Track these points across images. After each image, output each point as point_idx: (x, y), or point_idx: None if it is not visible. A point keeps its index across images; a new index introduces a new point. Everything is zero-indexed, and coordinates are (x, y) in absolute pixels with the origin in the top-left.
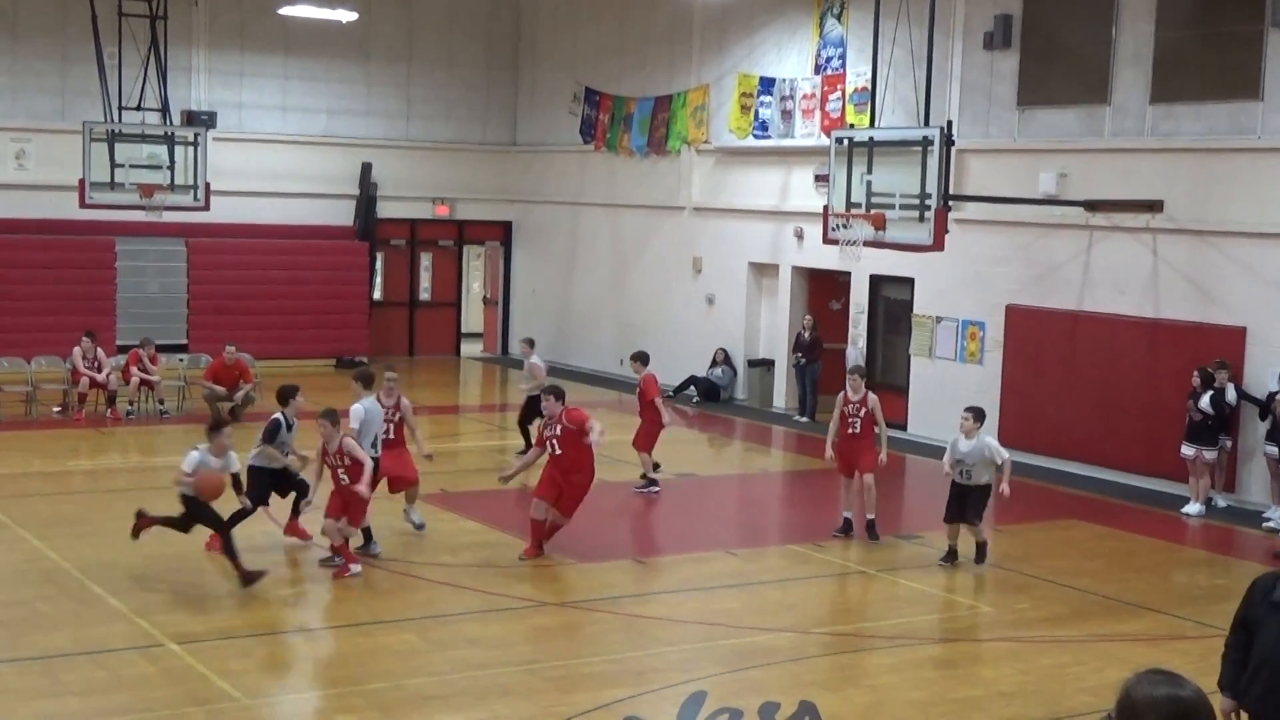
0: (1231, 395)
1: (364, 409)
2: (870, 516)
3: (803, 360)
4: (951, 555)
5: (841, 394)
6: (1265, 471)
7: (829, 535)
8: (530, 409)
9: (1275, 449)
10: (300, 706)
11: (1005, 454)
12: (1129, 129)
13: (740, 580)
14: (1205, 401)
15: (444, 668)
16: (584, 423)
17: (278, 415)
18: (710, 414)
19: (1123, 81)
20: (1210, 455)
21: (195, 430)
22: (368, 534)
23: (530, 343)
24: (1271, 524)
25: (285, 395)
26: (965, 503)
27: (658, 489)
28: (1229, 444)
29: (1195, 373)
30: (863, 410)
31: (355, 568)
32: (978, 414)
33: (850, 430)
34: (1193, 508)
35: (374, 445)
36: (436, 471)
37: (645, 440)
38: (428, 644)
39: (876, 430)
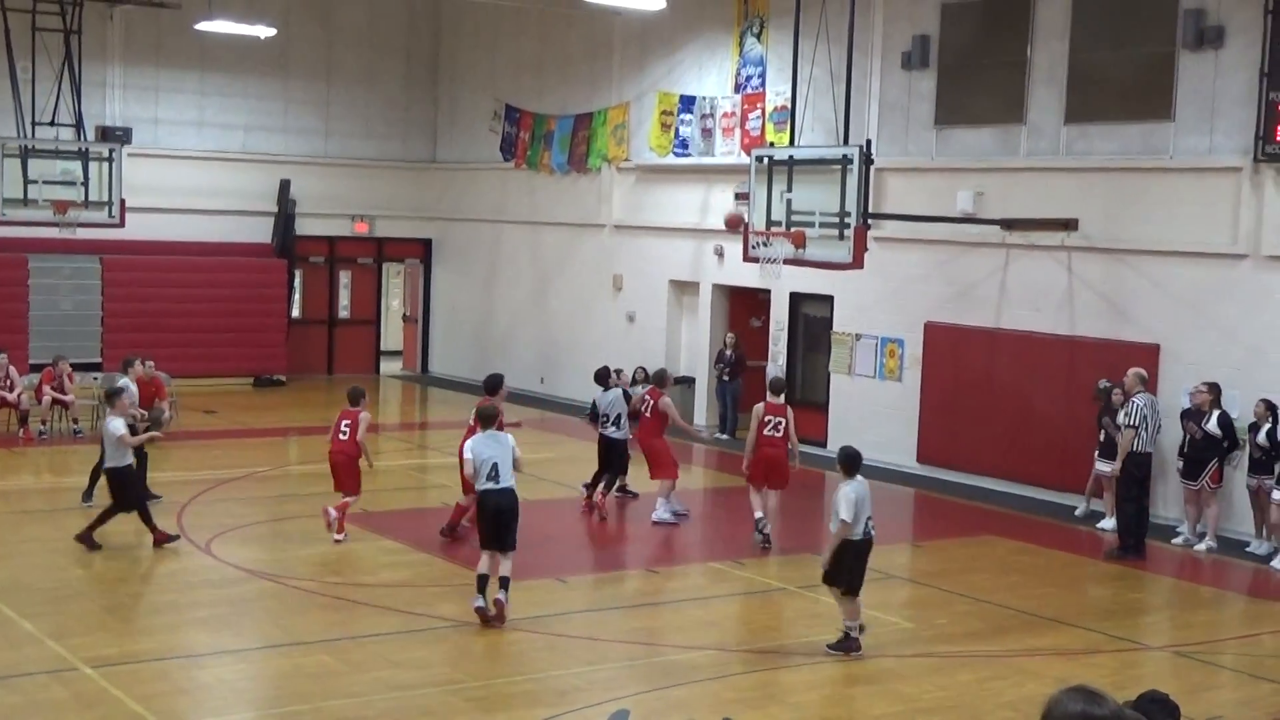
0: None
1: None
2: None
3: (726, 376)
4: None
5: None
6: (1176, 486)
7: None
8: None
9: (1191, 465)
10: None
11: (840, 513)
12: (1044, 148)
13: (661, 598)
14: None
15: (364, 689)
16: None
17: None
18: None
19: (1038, 101)
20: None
21: None
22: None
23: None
24: (1182, 539)
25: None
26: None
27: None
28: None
29: (1115, 389)
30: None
31: None
32: (840, 457)
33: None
34: (1108, 523)
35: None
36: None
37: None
38: (347, 665)
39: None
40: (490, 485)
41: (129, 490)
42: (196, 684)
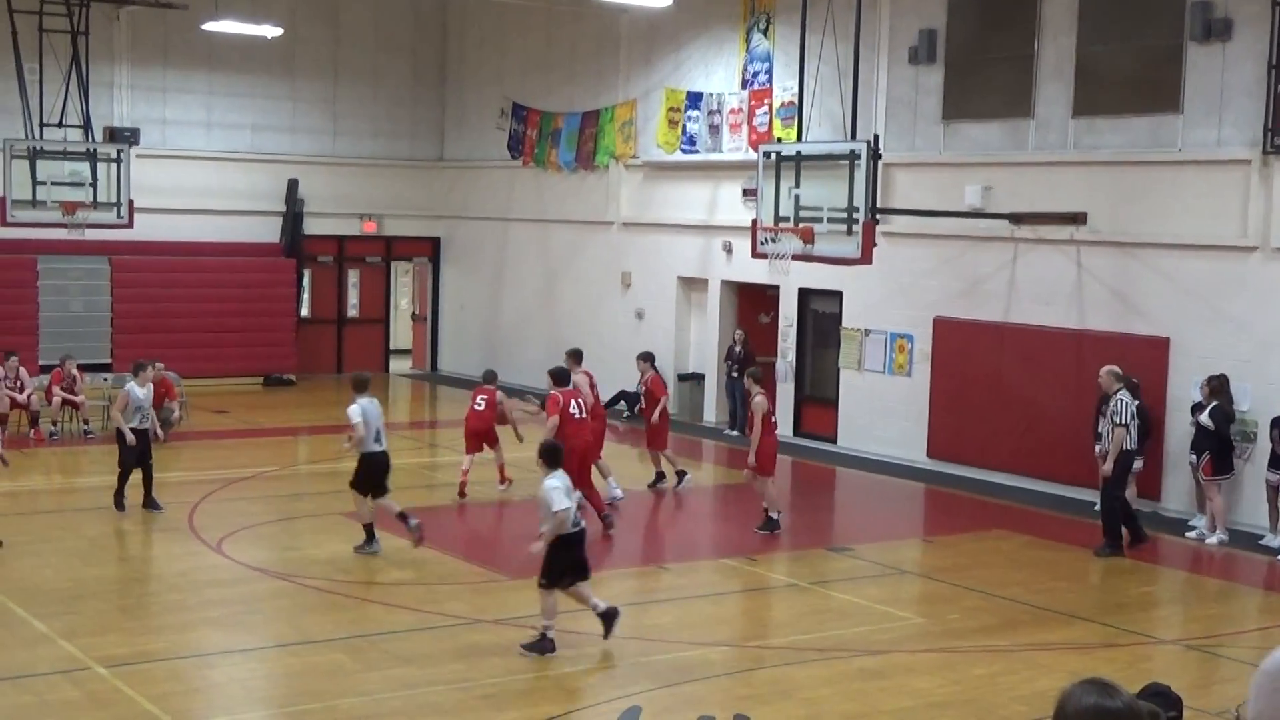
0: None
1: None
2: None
3: (735, 372)
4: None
5: (763, 398)
6: (1189, 480)
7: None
8: None
9: (1195, 458)
10: None
11: (554, 506)
12: (1052, 142)
13: (673, 595)
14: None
15: (375, 687)
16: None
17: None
18: (640, 428)
19: (1045, 95)
20: (1136, 465)
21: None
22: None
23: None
24: (1195, 533)
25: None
26: None
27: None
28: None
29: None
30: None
31: None
32: (541, 450)
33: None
34: None
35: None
36: None
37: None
38: (358, 663)
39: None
40: (377, 447)
41: None
42: (209, 683)
